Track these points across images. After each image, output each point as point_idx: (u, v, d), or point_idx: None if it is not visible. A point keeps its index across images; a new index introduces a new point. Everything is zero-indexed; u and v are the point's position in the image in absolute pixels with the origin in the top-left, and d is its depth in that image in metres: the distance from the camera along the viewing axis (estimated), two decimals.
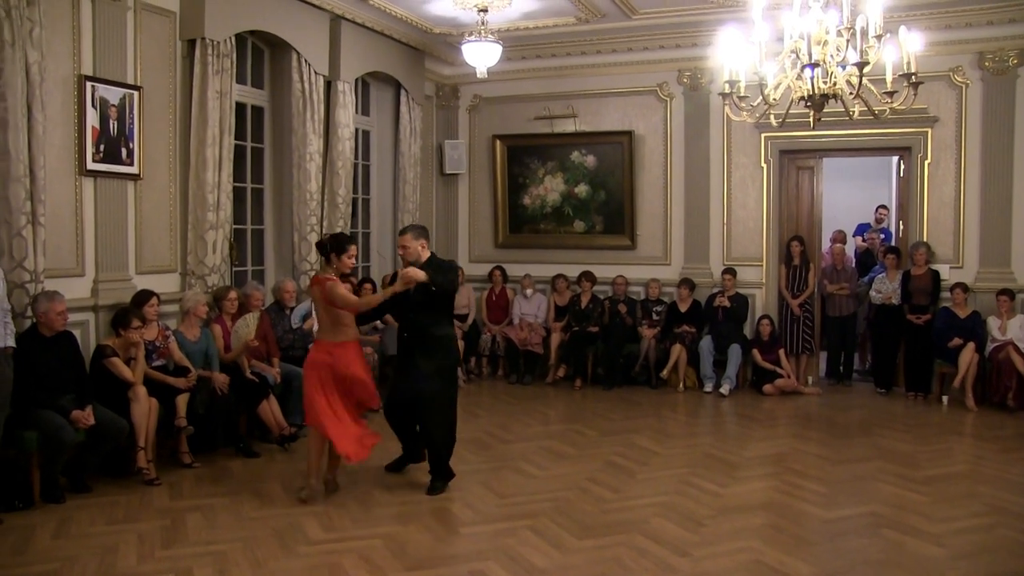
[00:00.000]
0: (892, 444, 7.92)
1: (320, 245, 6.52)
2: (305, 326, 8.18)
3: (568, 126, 11.77)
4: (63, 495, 6.11)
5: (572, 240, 11.87)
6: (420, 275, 6.15)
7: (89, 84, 6.91)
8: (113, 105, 7.11)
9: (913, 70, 5.66)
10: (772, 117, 6.43)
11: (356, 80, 10.08)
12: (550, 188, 11.91)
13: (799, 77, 5.91)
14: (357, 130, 10.41)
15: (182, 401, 6.92)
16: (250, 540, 5.41)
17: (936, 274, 9.98)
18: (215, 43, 7.83)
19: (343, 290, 6.24)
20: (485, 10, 9.30)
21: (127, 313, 6.72)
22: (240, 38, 8.45)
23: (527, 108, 11.96)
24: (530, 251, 12.06)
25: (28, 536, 5.44)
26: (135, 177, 7.38)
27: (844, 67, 5.80)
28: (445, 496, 6.35)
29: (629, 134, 11.39)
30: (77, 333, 6.69)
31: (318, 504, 6.11)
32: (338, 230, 9.45)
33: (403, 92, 10.92)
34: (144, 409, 6.56)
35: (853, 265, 11.48)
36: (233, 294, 7.89)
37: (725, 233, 11.11)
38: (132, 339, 6.68)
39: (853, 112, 6.08)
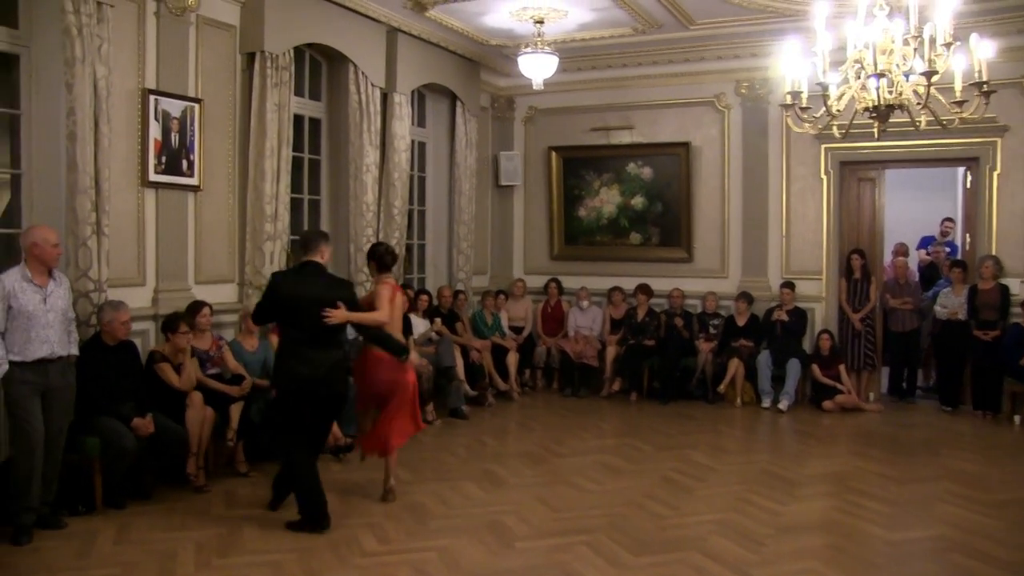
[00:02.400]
0: (960, 464, 7.73)
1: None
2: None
3: (624, 137, 11.76)
4: (124, 501, 6.24)
5: (628, 252, 11.83)
6: None
7: (152, 97, 7.07)
8: (175, 118, 7.26)
9: (984, 78, 5.56)
10: (835, 128, 6.36)
11: (412, 92, 10.16)
12: (606, 200, 11.89)
13: (863, 87, 5.85)
14: (413, 142, 10.50)
15: (235, 411, 7.01)
16: (305, 551, 5.45)
17: (1005, 288, 9.73)
18: (274, 56, 7.96)
19: None
20: (541, 22, 9.34)
21: (176, 318, 6.85)
22: (298, 51, 8.56)
23: (583, 119, 11.96)
24: (586, 263, 12.04)
25: (91, 540, 5.57)
26: (195, 188, 7.53)
27: (910, 76, 5.72)
28: (500, 510, 6.33)
29: (686, 145, 11.33)
30: (137, 342, 6.82)
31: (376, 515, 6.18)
32: (393, 242, 9.53)
33: (459, 104, 10.99)
34: (199, 416, 6.68)
35: (916, 279, 11.29)
36: None
37: (784, 246, 10.98)
38: (180, 345, 6.79)
39: (919, 123, 5.99)
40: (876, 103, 5.81)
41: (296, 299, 5.83)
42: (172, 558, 5.31)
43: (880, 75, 5.65)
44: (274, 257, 8.07)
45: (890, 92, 5.77)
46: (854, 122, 6.35)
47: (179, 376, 6.77)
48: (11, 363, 5.49)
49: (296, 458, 5.93)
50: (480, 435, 8.82)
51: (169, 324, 6.83)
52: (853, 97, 6.05)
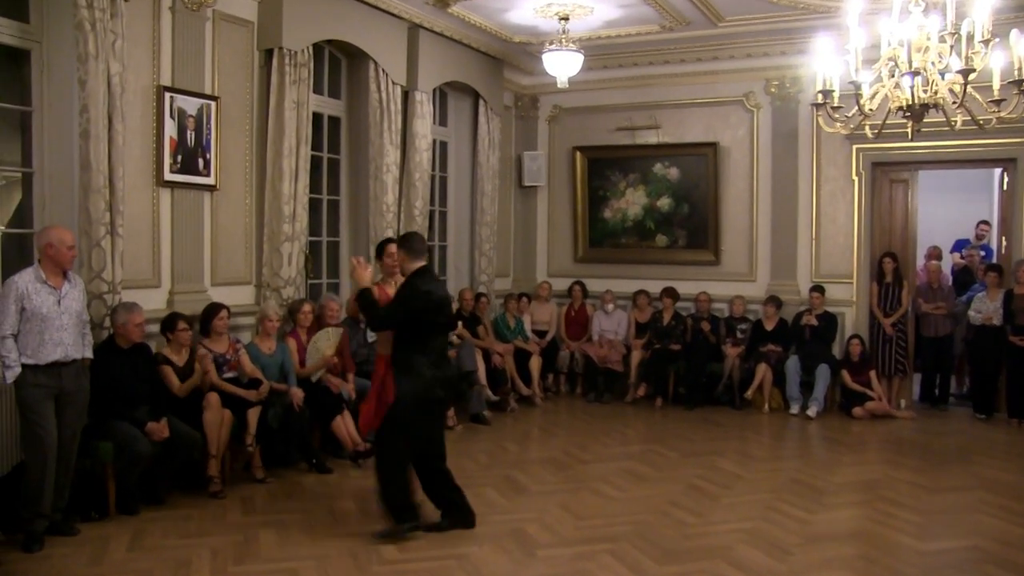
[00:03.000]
0: (995, 474, 7.61)
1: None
2: None
3: (651, 137, 11.68)
4: (138, 507, 6.22)
5: (654, 255, 11.75)
6: (364, 279, 5.93)
7: (168, 95, 7.06)
8: (191, 116, 7.25)
9: None
10: (867, 128, 6.27)
11: (434, 90, 10.13)
12: (631, 201, 11.82)
13: (897, 86, 5.76)
14: (435, 141, 10.47)
15: (253, 415, 6.98)
16: (323, 558, 5.42)
17: None
18: (292, 53, 7.94)
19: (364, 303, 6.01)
20: (567, 18, 9.29)
21: (174, 317, 6.83)
22: (317, 48, 8.56)
23: (608, 119, 11.90)
24: (610, 266, 11.98)
25: (104, 547, 5.55)
26: (211, 188, 7.51)
27: (945, 74, 5.63)
28: (522, 517, 6.28)
29: (714, 146, 11.25)
30: (152, 345, 6.81)
31: None
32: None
33: (481, 102, 10.95)
34: (216, 417, 6.67)
35: (950, 283, 11.15)
36: (308, 307, 7.95)
37: (813, 249, 10.88)
38: (182, 341, 6.77)
39: (955, 122, 5.89)
40: (910, 102, 5.73)
41: (445, 302, 5.97)
42: (187, 565, 5.28)
43: (915, 73, 5.56)
44: (292, 259, 8.05)
45: (925, 91, 5.68)
46: (887, 122, 6.25)
47: (190, 377, 6.78)
48: (24, 366, 5.50)
49: (406, 465, 5.84)
50: (502, 441, 8.78)
51: (167, 324, 6.82)
52: (886, 96, 5.97)
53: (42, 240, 5.69)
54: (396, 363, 5.81)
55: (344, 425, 7.59)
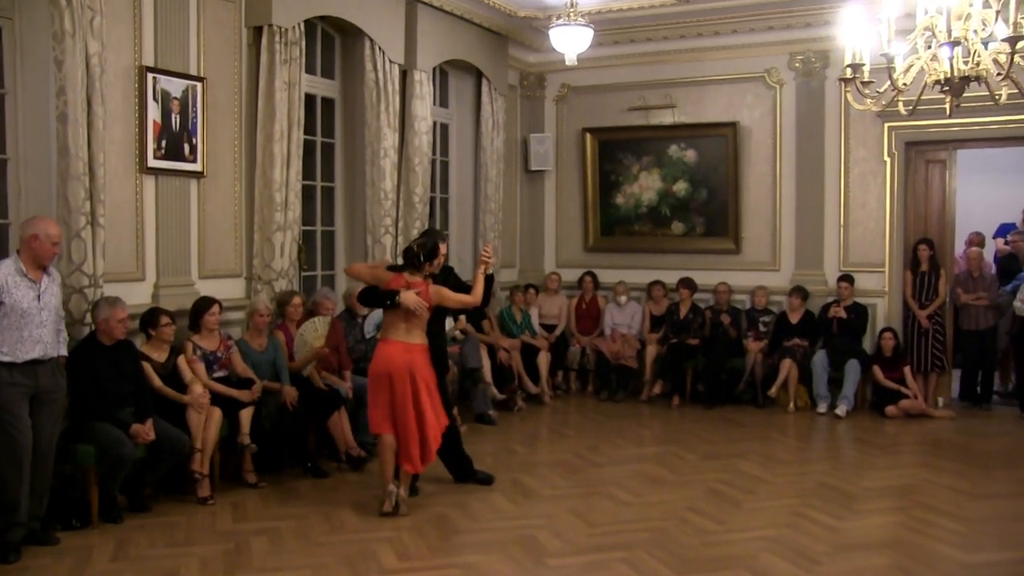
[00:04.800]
0: None
1: (411, 254, 6.61)
2: (379, 336, 8.22)
3: (666, 117, 11.65)
4: (121, 514, 6.21)
5: (670, 243, 11.73)
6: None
7: (151, 76, 7.02)
8: (175, 98, 7.23)
9: None
10: (900, 105, 6.22)
11: (434, 69, 10.11)
12: (645, 186, 11.79)
13: (934, 58, 5.70)
14: (435, 123, 10.44)
15: (246, 416, 6.97)
16: (319, 567, 5.42)
17: None
18: (283, 30, 7.91)
19: (450, 292, 6.74)
20: None
21: (155, 312, 6.81)
22: (310, 24, 8.52)
23: (620, 98, 11.87)
24: (623, 255, 11.97)
25: (85, 558, 5.54)
26: (198, 175, 7.49)
27: (989, 44, 5.56)
28: (531, 524, 6.27)
29: (733, 126, 11.22)
30: (136, 342, 6.77)
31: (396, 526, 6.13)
32: (414, 232, 9.46)
33: (484, 81, 10.93)
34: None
35: (993, 272, 11.10)
36: (297, 299, 7.94)
37: (842, 236, 10.84)
38: (165, 337, 6.77)
39: (1000, 96, 5.83)
40: (949, 75, 5.65)
41: None
42: None
43: (954, 43, 5.48)
44: (284, 249, 8.03)
45: (965, 62, 5.60)
46: (923, 97, 6.19)
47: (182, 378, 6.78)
48: None
49: None
50: (509, 442, 8.78)
51: (149, 320, 6.79)
52: (922, 69, 5.90)
53: (27, 230, 5.65)
54: (440, 341, 7.05)
55: (341, 425, 7.58)
